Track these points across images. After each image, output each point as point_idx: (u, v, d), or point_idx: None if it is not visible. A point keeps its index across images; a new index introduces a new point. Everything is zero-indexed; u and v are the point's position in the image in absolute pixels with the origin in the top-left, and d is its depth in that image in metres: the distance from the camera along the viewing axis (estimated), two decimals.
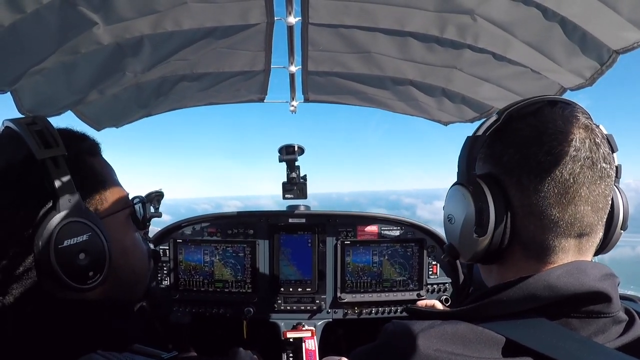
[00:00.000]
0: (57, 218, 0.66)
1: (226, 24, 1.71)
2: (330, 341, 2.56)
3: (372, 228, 2.37)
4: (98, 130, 2.34)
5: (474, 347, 0.61)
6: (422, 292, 2.34)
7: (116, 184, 0.82)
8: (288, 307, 2.35)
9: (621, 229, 0.78)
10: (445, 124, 2.73)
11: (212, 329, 2.61)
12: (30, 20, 1.36)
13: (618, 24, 1.37)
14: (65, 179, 0.68)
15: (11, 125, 0.71)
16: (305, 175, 2.29)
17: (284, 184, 2.28)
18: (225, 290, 2.35)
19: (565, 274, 0.65)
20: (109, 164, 0.84)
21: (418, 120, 2.81)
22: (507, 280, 0.69)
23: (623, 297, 0.75)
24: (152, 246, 2.18)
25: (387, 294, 2.33)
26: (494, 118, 0.74)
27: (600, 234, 0.72)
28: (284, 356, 2.29)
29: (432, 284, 2.36)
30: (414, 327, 0.66)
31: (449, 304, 2.28)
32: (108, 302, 0.77)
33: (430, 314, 0.74)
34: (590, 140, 0.67)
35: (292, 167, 2.26)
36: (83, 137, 0.81)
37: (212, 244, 2.35)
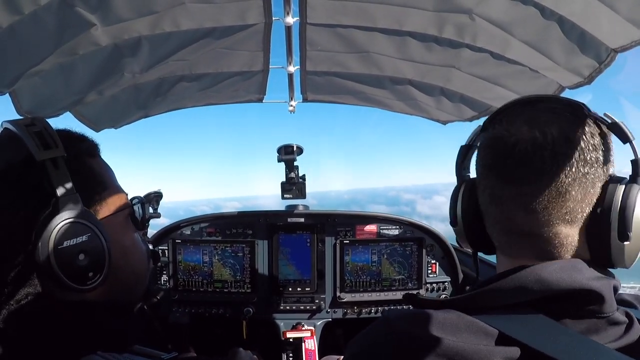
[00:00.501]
0: (57, 219, 0.66)
1: (224, 25, 1.71)
2: (329, 341, 2.56)
3: (371, 227, 2.37)
4: (97, 131, 2.34)
5: (464, 335, 0.61)
6: (422, 291, 2.34)
7: (115, 184, 0.82)
8: (287, 307, 2.35)
9: (620, 240, 0.65)
10: (444, 123, 2.74)
11: (212, 329, 2.61)
12: (28, 22, 1.36)
13: (616, 23, 1.37)
14: (65, 180, 0.68)
15: (10, 126, 0.71)
16: (304, 175, 2.29)
17: (282, 183, 2.28)
18: (225, 290, 2.35)
19: (559, 269, 0.64)
20: (107, 165, 0.84)
21: (415, 118, 2.81)
22: (504, 270, 0.70)
23: (624, 302, 0.74)
24: (151, 247, 2.19)
25: (386, 293, 2.33)
26: (480, 127, 0.82)
27: (564, 238, 0.67)
28: (284, 356, 2.29)
29: (431, 283, 2.36)
30: (405, 313, 0.68)
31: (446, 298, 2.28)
32: (108, 303, 0.76)
33: (426, 302, 0.77)
34: (529, 140, 0.66)
35: (290, 167, 2.26)
36: (82, 138, 0.81)
37: (211, 244, 2.35)
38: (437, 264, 2.37)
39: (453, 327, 0.62)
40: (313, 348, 2.17)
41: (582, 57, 1.58)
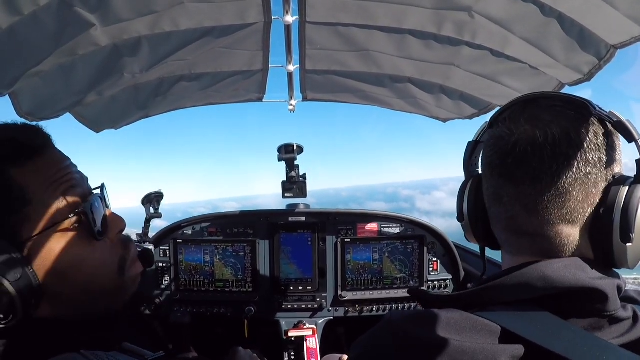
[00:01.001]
0: None
1: (224, 24, 1.71)
2: (331, 339, 2.56)
3: (372, 226, 2.37)
4: (97, 132, 2.34)
5: (468, 334, 0.61)
6: (423, 289, 2.34)
7: (48, 194, 0.69)
8: (289, 306, 2.35)
9: (622, 241, 0.64)
10: (444, 120, 2.74)
11: (213, 329, 2.61)
12: (28, 23, 1.35)
13: (616, 19, 1.37)
14: None
15: None
16: (304, 174, 2.29)
17: (283, 182, 2.28)
18: (226, 289, 2.36)
19: (563, 267, 0.64)
20: (46, 165, 0.71)
21: (412, 115, 2.81)
22: (508, 267, 0.71)
23: (629, 299, 0.74)
24: (152, 247, 2.18)
25: (387, 291, 2.34)
26: (486, 123, 0.82)
27: (566, 238, 0.67)
28: (286, 355, 2.30)
29: (432, 281, 2.37)
30: (408, 314, 0.68)
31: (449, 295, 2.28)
32: (58, 320, 0.70)
33: (430, 297, 0.79)
34: (529, 139, 0.66)
35: (291, 166, 2.26)
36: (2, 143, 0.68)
37: (213, 243, 2.36)
38: (439, 261, 2.37)
39: (457, 326, 0.62)
40: (315, 347, 2.17)
41: (581, 53, 1.58)
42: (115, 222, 0.81)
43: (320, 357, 2.15)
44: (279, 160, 2.24)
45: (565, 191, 0.64)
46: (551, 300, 0.64)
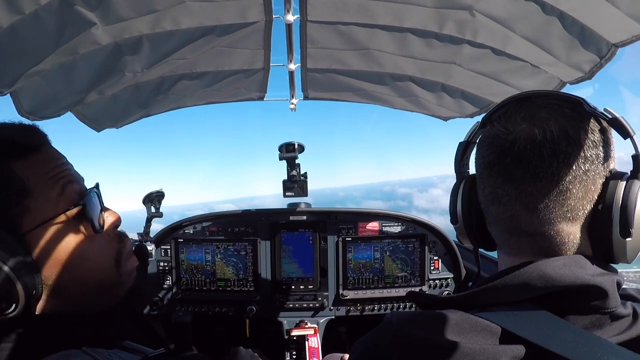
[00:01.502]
0: None
1: (225, 23, 1.71)
2: (333, 338, 2.57)
3: (374, 224, 2.37)
4: (98, 130, 2.34)
5: (469, 335, 0.61)
6: (424, 288, 2.34)
7: (48, 186, 0.70)
8: (290, 305, 2.35)
9: (622, 236, 0.65)
10: (445, 119, 2.74)
11: (215, 328, 2.62)
12: (29, 22, 1.35)
13: (617, 17, 1.37)
14: None
15: None
16: (305, 173, 2.29)
17: (284, 181, 2.28)
18: (228, 289, 2.36)
19: (562, 265, 0.64)
20: (44, 160, 0.72)
21: (408, 112, 2.80)
22: (505, 268, 0.71)
23: (629, 297, 0.74)
24: (154, 247, 2.18)
25: (389, 290, 2.34)
26: (477, 123, 0.82)
27: (566, 236, 0.67)
28: (287, 354, 2.30)
29: (434, 280, 2.37)
30: (408, 316, 0.68)
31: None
32: (59, 315, 0.71)
33: (429, 299, 0.78)
34: (527, 138, 0.65)
35: (292, 164, 2.26)
36: (4, 138, 0.70)
37: (214, 242, 2.36)
38: (440, 260, 2.37)
39: (457, 327, 0.62)
40: (316, 346, 2.18)
41: (582, 52, 1.58)
42: (110, 216, 0.83)
43: (322, 356, 2.15)
44: (280, 159, 2.24)
45: (566, 189, 0.65)
46: (551, 299, 0.64)
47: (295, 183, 2.27)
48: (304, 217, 2.37)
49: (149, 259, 2.13)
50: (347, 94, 2.60)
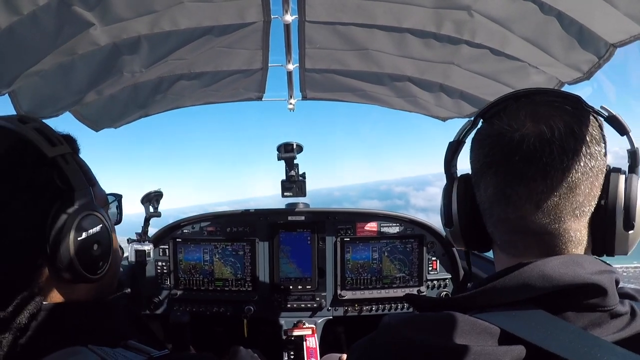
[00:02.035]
0: (75, 212, 0.68)
1: (223, 23, 1.71)
2: (330, 339, 2.56)
3: (372, 225, 2.37)
4: (96, 131, 2.34)
5: (468, 337, 0.60)
6: (422, 288, 2.34)
7: (97, 181, 0.83)
8: (288, 305, 2.35)
9: (624, 229, 0.67)
10: (444, 119, 2.74)
11: (213, 328, 2.62)
12: (27, 22, 1.36)
13: (615, 18, 1.37)
14: (77, 174, 0.70)
15: (6, 124, 0.69)
16: (304, 173, 2.29)
17: (283, 182, 2.28)
18: (226, 289, 2.36)
19: (561, 264, 0.64)
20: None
21: (402, 112, 2.80)
22: (504, 268, 0.69)
23: (626, 295, 0.74)
24: (152, 247, 2.18)
25: (387, 291, 2.34)
26: (469, 123, 0.79)
27: (573, 233, 0.67)
28: (285, 354, 2.30)
29: (432, 280, 2.36)
30: (406, 318, 0.67)
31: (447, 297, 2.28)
32: (92, 300, 0.76)
33: (427, 301, 0.78)
34: (536, 135, 0.64)
35: (290, 165, 2.26)
36: (68, 136, 0.80)
37: (212, 242, 2.36)
38: (438, 261, 2.37)
39: (456, 329, 0.61)
40: (314, 346, 2.17)
41: (581, 52, 1.58)
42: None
43: (320, 357, 2.15)
44: (279, 159, 2.24)
45: (575, 185, 0.65)
46: (550, 299, 0.64)
47: (293, 183, 2.27)
48: (303, 218, 2.36)
49: (147, 259, 2.13)
50: (345, 94, 2.60)
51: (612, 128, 0.70)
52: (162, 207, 2.16)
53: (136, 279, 2.33)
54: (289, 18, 1.73)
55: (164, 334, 2.45)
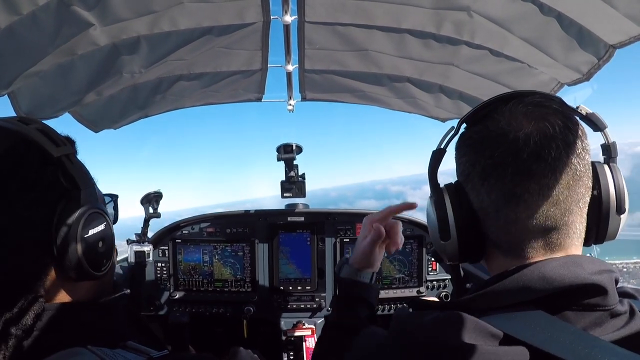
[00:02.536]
0: (81, 210, 0.69)
1: (223, 24, 1.71)
2: None
3: None
4: (96, 131, 2.34)
5: (473, 336, 0.61)
6: (422, 289, 2.34)
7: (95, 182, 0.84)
8: (288, 306, 2.35)
9: (617, 214, 0.73)
10: (443, 120, 2.73)
11: (212, 329, 2.61)
12: (26, 22, 1.35)
13: (615, 19, 1.37)
14: (81, 173, 0.72)
15: (10, 125, 0.70)
16: (303, 174, 2.29)
17: (282, 182, 2.28)
18: (225, 289, 2.36)
19: (560, 266, 0.64)
20: None
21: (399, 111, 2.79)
22: (503, 270, 0.70)
23: (626, 294, 0.74)
24: (151, 248, 2.18)
25: (386, 291, 2.34)
26: (451, 129, 0.79)
27: (577, 225, 0.69)
28: (285, 355, 2.30)
29: (431, 281, 2.36)
30: (413, 314, 0.69)
31: (448, 300, 2.28)
32: (93, 300, 0.77)
33: (429, 305, 0.78)
34: (540, 132, 0.65)
35: (290, 166, 2.26)
36: (68, 138, 0.80)
37: (211, 243, 2.36)
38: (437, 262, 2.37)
39: (461, 329, 0.62)
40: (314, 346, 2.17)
41: (580, 53, 1.58)
42: None
43: None
44: (278, 160, 2.24)
45: (579, 177, 0.67)
46: (551, 300, 0.64)
47: (293, 184, 2.27)
48: (302, 218, 2.36)
49: (147, 260, 2.13)
50: (345, 95, 2.60)
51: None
52: (160, 210, 2.16)
53: (136, 280, 2.33)
54: (289, 19, 1.73)
55: (164, 334, 2.45)
